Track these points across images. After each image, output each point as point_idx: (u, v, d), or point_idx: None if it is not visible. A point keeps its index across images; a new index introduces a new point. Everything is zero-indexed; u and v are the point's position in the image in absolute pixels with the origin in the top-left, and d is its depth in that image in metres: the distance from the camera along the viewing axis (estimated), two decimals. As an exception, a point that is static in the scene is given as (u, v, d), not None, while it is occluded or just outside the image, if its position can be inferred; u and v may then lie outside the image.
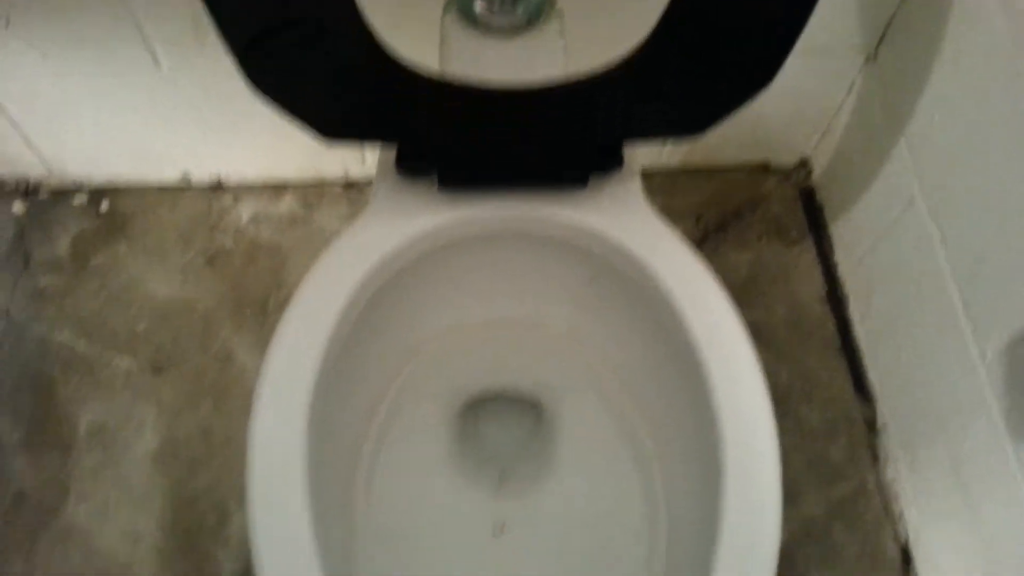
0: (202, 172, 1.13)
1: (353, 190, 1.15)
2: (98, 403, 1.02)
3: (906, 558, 0.95)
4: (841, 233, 1.09)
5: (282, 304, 1.09)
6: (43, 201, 1.13)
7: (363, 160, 1.10)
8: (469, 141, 0.60)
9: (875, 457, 1.00)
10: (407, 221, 0.64)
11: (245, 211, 1.13)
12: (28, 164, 1.09)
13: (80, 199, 1.13)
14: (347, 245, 0.62)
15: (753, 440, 0.55)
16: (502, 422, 0.83)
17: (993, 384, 0.77)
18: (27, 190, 1.13)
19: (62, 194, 1.13)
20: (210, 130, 1.05)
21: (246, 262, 1.10)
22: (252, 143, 1.08)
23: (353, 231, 0.63)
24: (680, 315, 0.60)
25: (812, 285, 1.10)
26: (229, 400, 1.03)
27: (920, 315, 0.89)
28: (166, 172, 1.12)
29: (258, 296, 1.08)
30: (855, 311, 1.06)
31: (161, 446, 1.00)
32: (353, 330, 0.62)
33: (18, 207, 1.12)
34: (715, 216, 1.15)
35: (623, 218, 0.64)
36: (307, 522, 0.54)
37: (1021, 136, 0.70)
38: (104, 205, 1.13)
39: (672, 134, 0.62)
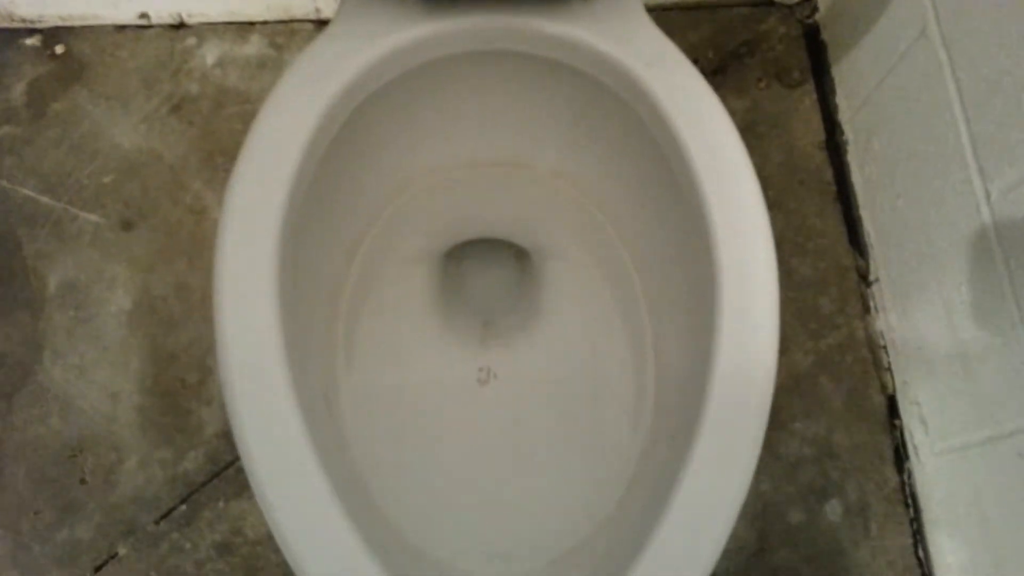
0: (162, 9, 1.04)
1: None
2: (67, 260, 0.98)
3: (892, 409, 0.95)
4: (844, 73, 1.03)
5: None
6: (-9, 44, 1.05)
7: (334, -4, 1.02)
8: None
9: (866, 308, 0.98)
10: (380, 35, 0.57)
11: (210, 53, 1.06)
12: (-30, 2, 1.01)
13: (33, 40, 1.05)
14: (312, 62, 0.56)
15: (752, 284, 0.52)
16: (487, 269, 0.79)
17: (997, 225, 0.73)
18: (-28, 32, 1.05)
19: (12, 35, 1.05)
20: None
21: (214, 109, 1.04)
22: (213, -23, 0.99)
23: (319, 46, 0.57)
24: (678, 138, 0.55)
25: (811, 131, 1.05)
26: (204, 255, 0.99)
27: (923, 156, 0.85)
28: (123, 10, 1.04)
29: (229, 145, 1.03)
30: (854, 157, 1.02)
31: (136, 304, 0.97)
32: (323, 162, 0.57)
33: (-36, 50, 1.04)
34: (713, 58, 1.08)
35: (618, 29, 0.57)
36: (284, 369, 0.51)
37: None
38: (59, 47, 1.05)
39: None
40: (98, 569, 0.87)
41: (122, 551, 0.88)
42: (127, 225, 1.00)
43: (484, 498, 0.67)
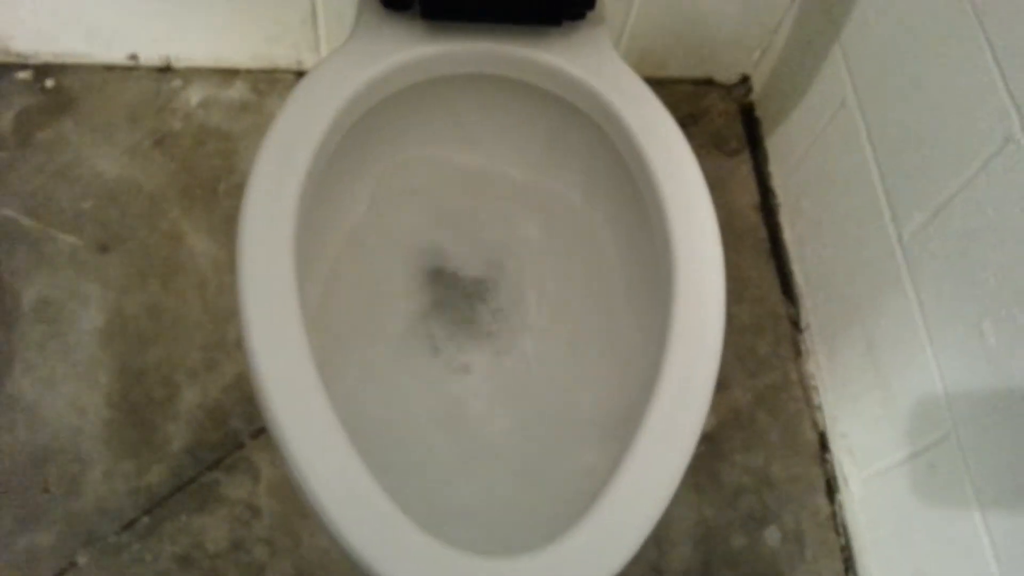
0: (151, 53, 1.11)
1: (307, 81, 1.15)
2: (43, 278, 1.01)
3: (823, 443, 1.03)
4: (776, 144, 1.15)
5: (233, 189, 1.10)
6: (-16, 74, 1.10)
7: (317, 49, 1.11)
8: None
9: (798, 352, 1.07)
10: (389, 51, 0.65)
11: (194, 95, 1.12)
12: (-32, 35, 1.06)
13: (24, 74, 1.10)
14: (331, 69, 0.64)
15: (702, 279, 0.61)
16: (468, 285, 0.86)
17: (908, 262, 0.84)
18: (-33, 62, 1.10)
19: (6, 68, 1.10)
20: (162, 8, 1.03)
21: (195, 145, 1.10)
22: (205, 25, 1.07)
23: (337, 57, 0.64)
24: (644, 157, 0.64)
25: (747, 194, 1.17)
26: (178, 279, 1.03)
27: (845, 210, 0.96)
28: (114, 50, 1.10)
29: (208, 179, 1.08)
30: (785, 217, 1.13)
31: (108, 322, 0.99)
32: (331, 160, 0.64)
33: (-43, 78, 1.09)
34: (659, 126, 1.19)
35: (590, 60, 0.67)
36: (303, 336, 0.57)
37: (940, 22, 0.76)
38: (49, 82, 1.11)
39: None
40: (55, 577, 0.87)
41: (82, 560, 0.88)
42: (104, 248, 1.03)
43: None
